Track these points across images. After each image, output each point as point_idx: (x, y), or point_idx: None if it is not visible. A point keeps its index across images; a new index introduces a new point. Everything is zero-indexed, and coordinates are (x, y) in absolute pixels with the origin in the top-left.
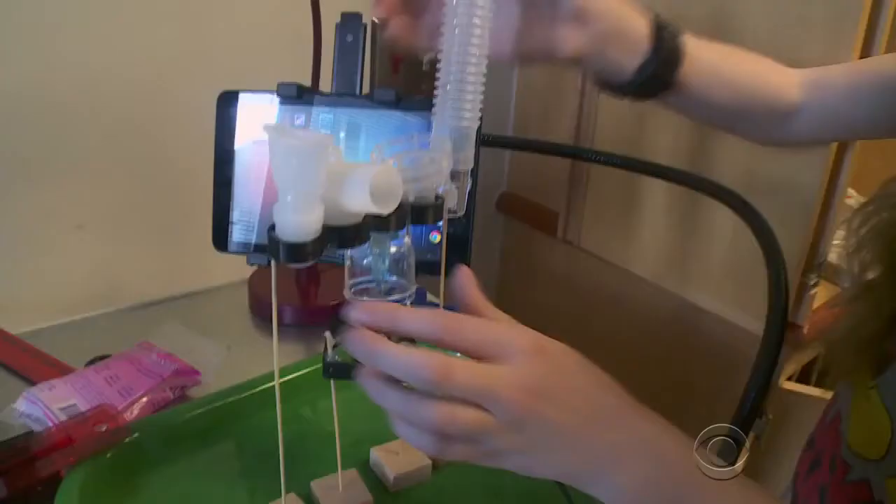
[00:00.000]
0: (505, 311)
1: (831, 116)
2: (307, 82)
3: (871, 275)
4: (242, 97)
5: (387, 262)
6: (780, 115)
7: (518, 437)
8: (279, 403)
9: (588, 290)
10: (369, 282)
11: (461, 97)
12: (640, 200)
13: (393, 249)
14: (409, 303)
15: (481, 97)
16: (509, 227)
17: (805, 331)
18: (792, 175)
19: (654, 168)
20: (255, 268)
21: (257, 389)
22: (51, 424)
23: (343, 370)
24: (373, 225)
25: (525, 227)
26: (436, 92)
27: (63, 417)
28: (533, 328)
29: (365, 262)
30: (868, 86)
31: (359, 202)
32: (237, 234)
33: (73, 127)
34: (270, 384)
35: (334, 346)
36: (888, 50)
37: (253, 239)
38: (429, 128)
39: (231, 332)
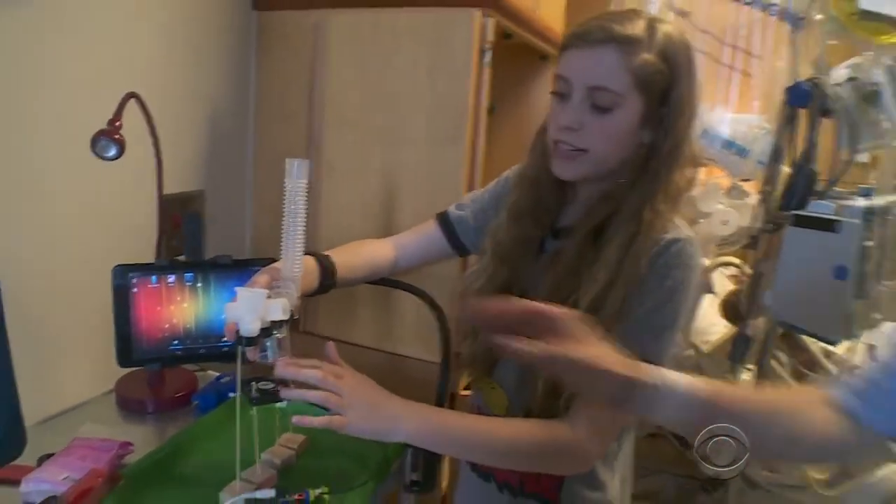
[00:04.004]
0: None
1: (410, 258)
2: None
3: None
4: (131, 268)
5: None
6: (389, 266)
7: (351, 404)
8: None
9: None
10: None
11: (294, 260)
12: (358, 292)
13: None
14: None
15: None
16: None
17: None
18: (448, 271)
19: None
20: (117, 378)
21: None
22: (64, 490)
23: (268, 396)
24: (275, 326)
25: None
26: (282, 253)
27: (69, 484)
28: None
29: (268, 342)
30: (419, 236)
31: (278, 315)
32: (136, 355)
33: None
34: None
35: (256, 387)
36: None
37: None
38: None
39: (111, 421)
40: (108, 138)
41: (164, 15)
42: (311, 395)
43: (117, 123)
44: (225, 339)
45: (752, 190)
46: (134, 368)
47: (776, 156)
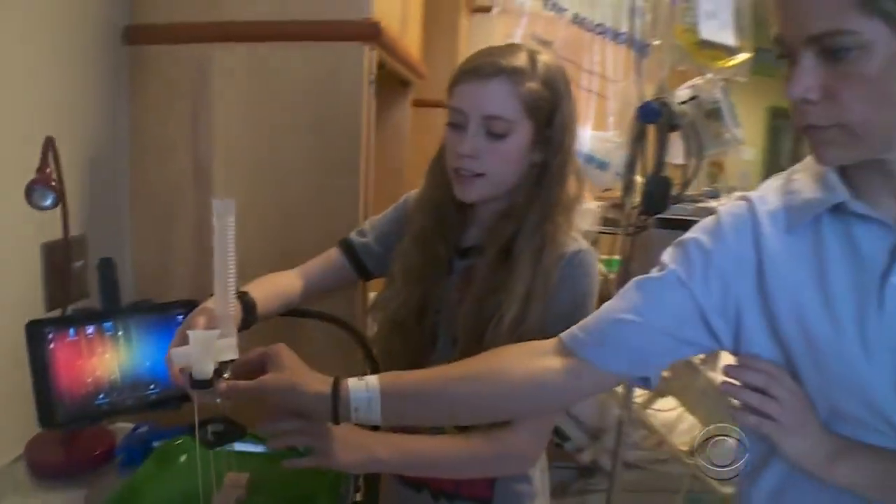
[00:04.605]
0: None
1: (317, 286)
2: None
3: None
4: (46, 323)
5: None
6: (299, 296)
7: (331, 442)
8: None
9: None
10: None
11: (228, 298)
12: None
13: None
14: None
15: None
16: None
17: None
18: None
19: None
20: (21, 444)
21: None
22: None
23: (223, 438)
24: (223, 367)
25: None
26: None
27: None
28: None
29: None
30: (324, 264)
31: (230, 354)
32: (60, 415)
33: None
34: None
35: (211, 430)
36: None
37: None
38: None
39: (28, 491)
40: (44, 186)
41: (26, 53)
42: (297, 441)
43: (48, 170)
44: (153, 387)
45: (588, 197)
46: (41, 431)
47: (630, 167)
